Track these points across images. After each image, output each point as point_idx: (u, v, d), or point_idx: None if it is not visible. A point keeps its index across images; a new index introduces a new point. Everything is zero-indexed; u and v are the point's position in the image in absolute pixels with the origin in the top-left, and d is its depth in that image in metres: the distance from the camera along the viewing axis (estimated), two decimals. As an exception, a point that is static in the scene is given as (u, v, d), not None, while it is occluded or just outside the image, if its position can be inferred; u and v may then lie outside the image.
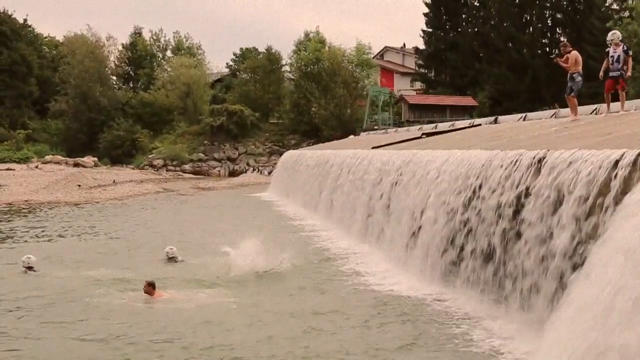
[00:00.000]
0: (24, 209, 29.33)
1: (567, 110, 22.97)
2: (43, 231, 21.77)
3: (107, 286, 12.87)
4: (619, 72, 15.50)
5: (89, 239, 20.12)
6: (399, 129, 48.17)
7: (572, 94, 16.78)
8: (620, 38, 16.19)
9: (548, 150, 9.84)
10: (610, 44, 15.78)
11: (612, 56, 15.59)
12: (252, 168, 62.60)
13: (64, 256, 16.77)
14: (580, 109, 18.26)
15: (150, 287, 11.79)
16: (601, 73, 15.87)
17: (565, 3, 61.25)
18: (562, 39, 62.05)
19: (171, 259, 15.53)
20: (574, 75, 16.56)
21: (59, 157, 61.48)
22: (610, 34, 16.23)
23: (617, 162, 7.85)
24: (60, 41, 79.54)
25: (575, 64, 16.50)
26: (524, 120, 26.13)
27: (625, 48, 15.58)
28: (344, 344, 9.29)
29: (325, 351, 8.97)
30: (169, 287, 12.66)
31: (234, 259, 14.24)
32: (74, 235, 20.93)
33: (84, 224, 23.98)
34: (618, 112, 16.29)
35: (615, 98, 16.41)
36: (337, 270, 14.88)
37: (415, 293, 12.20)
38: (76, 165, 58.15)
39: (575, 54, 16.69)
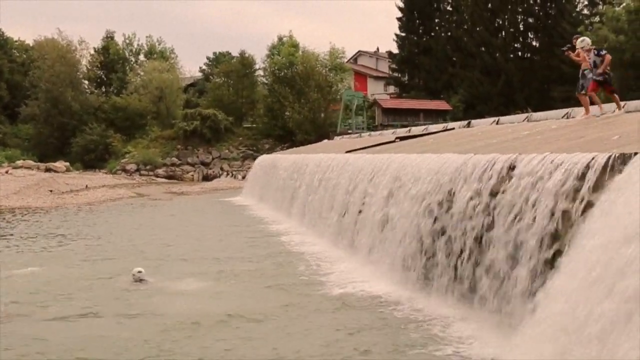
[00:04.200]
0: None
1: (539, 114, 23.18)
2: None
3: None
4: (602, 77, 15.13)
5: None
6: (373, 133, 48.21)
7: (583, 91, 15.73)
8: (590, 43, 15.80)
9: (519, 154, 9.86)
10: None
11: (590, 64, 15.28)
12: (225, 172, 62.29)
13: None
14: (552, 112, 18.27)
15: None
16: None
17: (537, 8, 61.87)
18: (533, 43, 62.75)
19: None
20: (584, 72, 15.53)
21: (30, 162, 60.65)
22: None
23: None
24: (31, 45, 78.63)
25: (586, 59, 15.45)
26: (497, 124, 26.25)
27: (596, 52, 15.27)
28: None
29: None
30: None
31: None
32: None
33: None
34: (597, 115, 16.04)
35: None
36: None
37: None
38: (48, 170, 57.40)
39: None
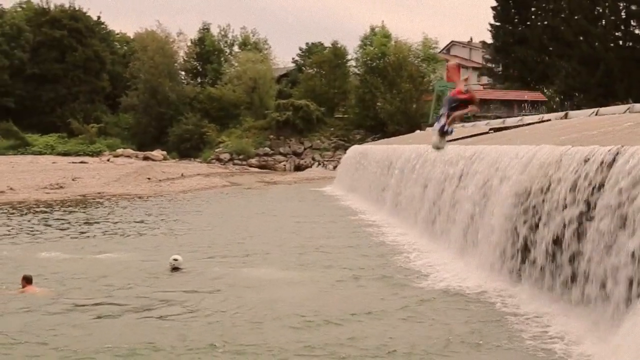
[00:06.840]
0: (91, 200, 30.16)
1: (641, 105, 22.26)
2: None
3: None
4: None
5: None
6: (466, 124, 47.41)
7: None
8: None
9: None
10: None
11: None
12: (317, 162, 62.81)
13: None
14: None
15: (24, 281, 11.83)
16: None
17: (640, -6, 59.43)
18: (636, 31, 60.34)
19: None
20: None
21: (130, 151, 63.14)
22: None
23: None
24: (132, 37, 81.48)
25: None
26: (596, 115, 25.44)
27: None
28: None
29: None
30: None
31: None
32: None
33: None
34: None
35: None
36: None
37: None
38: (146, 158, 59.50)
39: None
